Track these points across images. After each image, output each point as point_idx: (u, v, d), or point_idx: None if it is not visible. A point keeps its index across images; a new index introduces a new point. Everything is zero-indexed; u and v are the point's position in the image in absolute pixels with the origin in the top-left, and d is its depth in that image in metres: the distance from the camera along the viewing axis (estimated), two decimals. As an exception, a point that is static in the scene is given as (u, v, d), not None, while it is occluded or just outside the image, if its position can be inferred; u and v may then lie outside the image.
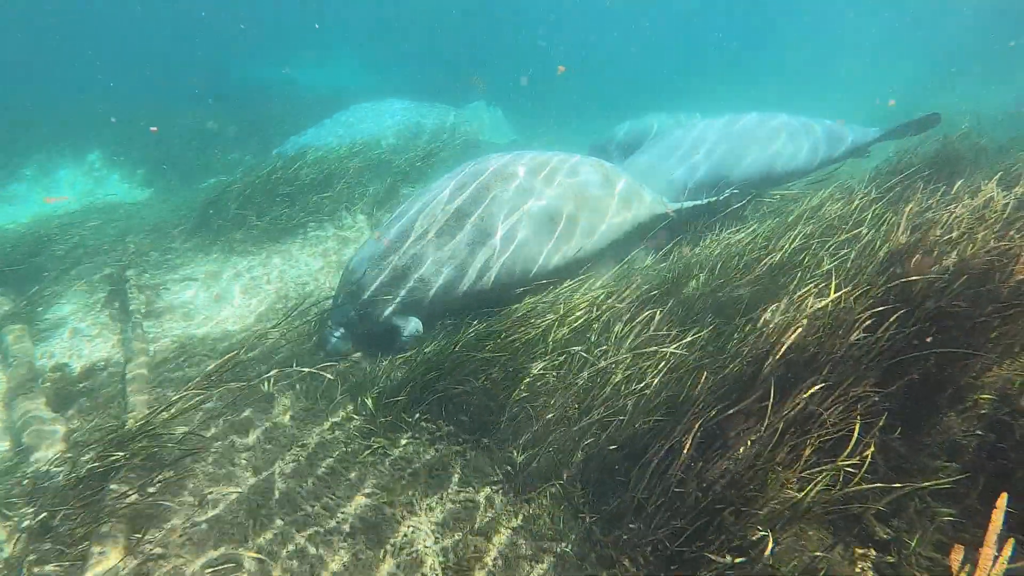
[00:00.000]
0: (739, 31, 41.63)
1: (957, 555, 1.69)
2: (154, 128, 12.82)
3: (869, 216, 5.04)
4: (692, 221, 6.30)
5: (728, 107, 7.99)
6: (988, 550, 1.62)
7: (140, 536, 3.23)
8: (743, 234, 5.60)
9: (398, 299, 5.00)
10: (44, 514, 3.38)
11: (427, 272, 4.99)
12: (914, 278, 2.99)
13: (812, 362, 3.12)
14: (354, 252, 5.50)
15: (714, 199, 6.30)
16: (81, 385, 5.13)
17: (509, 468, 3.80)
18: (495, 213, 5.14)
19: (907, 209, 3.55)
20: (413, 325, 5.01)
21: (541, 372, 4.12)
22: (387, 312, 5.02)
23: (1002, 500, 1.66)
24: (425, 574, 3.12)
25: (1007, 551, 1.74)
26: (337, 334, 5.09)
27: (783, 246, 5.01)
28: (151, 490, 3.55)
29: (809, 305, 3.19)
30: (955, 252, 3.10)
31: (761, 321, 3.54)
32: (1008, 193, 4.20)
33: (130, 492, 3.45)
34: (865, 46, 35.72)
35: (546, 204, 5.28)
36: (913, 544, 2.99)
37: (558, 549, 3.28)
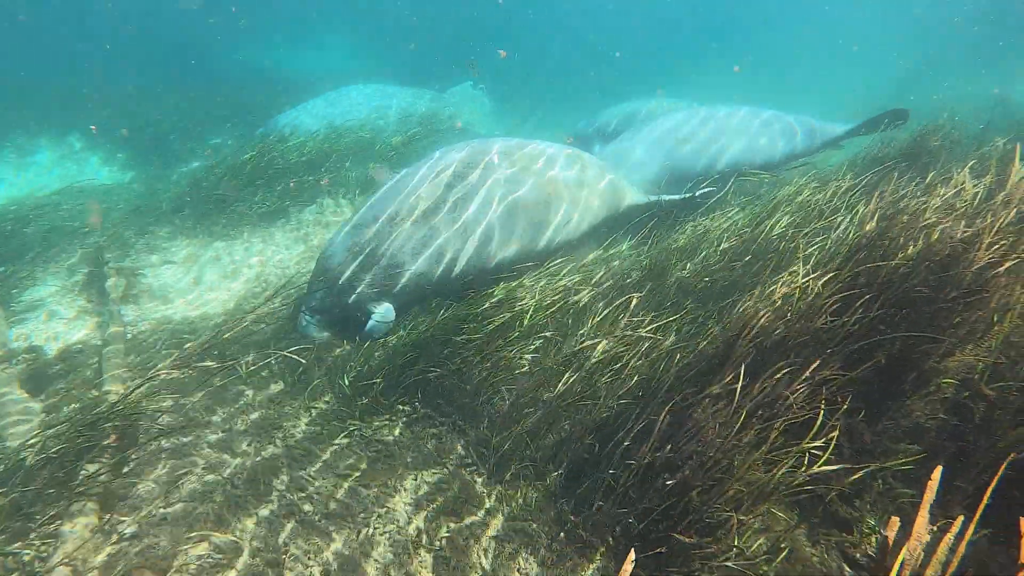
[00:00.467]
0: (728, 20, 41.52)
1: (893, 527, 1.75)
2: (94, 127, 12.79)
3: (844, 204, 5.10)
4: (670, 212, 6.32)
5: (714, 96, 8.00)
6: (921, 519, 1.67)
7: (112, 516, 3.23)
8: (722, 220, 5.65)
9: (371, 285, 4.98)
10: (15, 494, 3.37)
11: (402, 258, 4.97)
12: (880, 264, 3.04)
13: (780, 346, 3.17)
14: (331, 236, 5.47)
15: (690, 195, 6.32)
16: (57, 367, 5.09)
17: (484, 450, 3.83)
18: (471, 201, 5.12)
19: (874, 199, 3.60)
20: (385, 312, 4.99)
21: (517, 355, 4.15)
22: (360, 298, 5.01)
23: (936, 473, 1.72)
24: (398, 553, 3.16)
25: (955, 528, 1.80)
26: (311, 319, 5.09)
27: (761, 235, 5.06)
28: (125, 470, 3.55)
29: (778, 290, 3.23)
30: (921, 239, 3.15)
31: (736, 308, 3.59)
32: (978, 182, 4.28)
33: (103, 472, 3.45)
34: (856, 38, 35.77)
35: (523, 193, 5.28)
36: (874, 523, 3.06)
37: (530, 529, 3.32)
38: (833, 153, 8.37)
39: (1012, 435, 2.87)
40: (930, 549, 1.80)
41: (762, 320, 3.09)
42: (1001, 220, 3.11)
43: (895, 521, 1.75)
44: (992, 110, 10.22)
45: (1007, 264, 3.02)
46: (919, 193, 4.34)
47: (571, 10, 38.61)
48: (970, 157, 5.56)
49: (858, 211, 4.46)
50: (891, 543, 1.73)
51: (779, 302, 3.26)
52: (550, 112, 19.48)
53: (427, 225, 5.02)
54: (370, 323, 4.94)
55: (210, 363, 4.59)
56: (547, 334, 4.35)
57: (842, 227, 4.44)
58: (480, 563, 3.13)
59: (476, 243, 5.07)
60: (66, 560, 2.89)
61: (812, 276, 3.27)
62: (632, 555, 1.68)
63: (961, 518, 1.88)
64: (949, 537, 1.81)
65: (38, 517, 3.25)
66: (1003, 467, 1.90)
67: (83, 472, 3.43)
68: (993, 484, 1.72)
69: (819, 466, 2.96)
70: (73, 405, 4.47)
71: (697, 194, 6.22)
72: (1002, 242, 3.07)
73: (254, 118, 13.76)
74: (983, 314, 3.15)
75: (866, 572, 2.72)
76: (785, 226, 5.08)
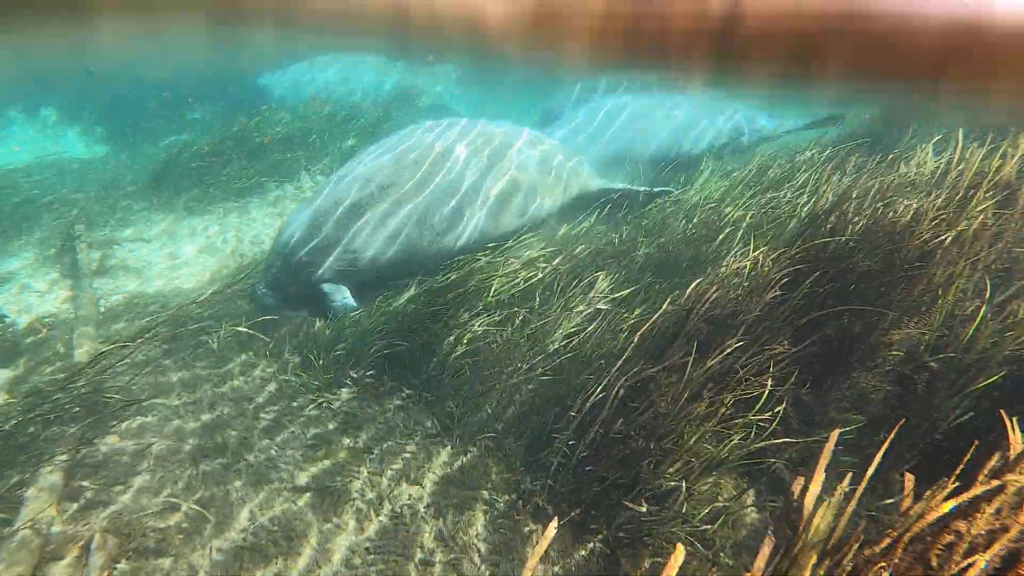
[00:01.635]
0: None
1: (798, 484, 1.85)
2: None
3: (809, 182, 5.18)
4: (636, 197, 6.36)
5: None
6: (818, 475, 1.77)
7: (78, 482, 3.29)
8: (691, 194, 5.72)
9: (330, 266, 4.95)
10: (-19, 463, 3.42)
11: (359, 240, 4.92)
12: (826, 240, 3.13)
13: (731, 320, 3.26)
14: (293, 211, 5.42)
15: (647, 189, 6.36)
16: (28, 339, 5.11)
17: (448, 421, 3.92)
18: (435, 181, 5.08)
19: (825, 175, 3.67)
20: (341, 295, 4.95)
21: (482, 329, 4.22)
22: (316, 278, 4.98)
23: (834, 434, 1.81)
24: (360, 520, 3.25)
25: (844, 483, 1.90)
26: (265, 294, 5.09)
27: (728, 214, 5.14)
28: (91, 438, 3.61)
29: (730, 265, 3.31)
30: (870, 214, 3.24)
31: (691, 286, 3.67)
32: (937, 158, 4.36)
33: (69, 439, 3.50)
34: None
35: (488, 175, 5.26)
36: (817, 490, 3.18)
37: (489, 498, 3.42)
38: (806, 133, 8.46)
39: (947, 404, 2.98)
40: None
41: (713, 295, 3.17)
42: (944, 195, 3.20)
43: (800, 480, 1.85)
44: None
45: (948, 235, 3.10)
46: (879, 172, 4.43)
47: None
48: (935, 135, 5.65)
49: (817, 187, 4.54)
50: (795, 500, 1.83)
51: (732, 277, 3.34)
52: (512, 91, 19.32)
53: (390, 207, 4.96)
54: (329, 305, 4.92)
55: (180, 332, 4.62)
56: (514, 309, 4.41)
57: (801, 204, 4.52)
58: (441, 529, 3.22)
59: (439, 225, 5.03)
60: (29, 524, 2.95)
61: (761, 251, 3.35)
62: (555, 523, 1.77)
63: (850, 474, 2.01)
64: (841, 490, 1.92)
65: (2, 483, 3.30)
66: (892, 433, 2.00)
67: (49, 439, 3.48)
68: (884, 447, 1.82)
69: (765, 438, 3.07)
70: (44, 376, 4.49)
71: (654, 190, 6.26)
72: (941, 216, 3.15)
73: (233, 93, 13.59)
74: (927, 288, 3.24)
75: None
76: (746, 207, 5.16)
